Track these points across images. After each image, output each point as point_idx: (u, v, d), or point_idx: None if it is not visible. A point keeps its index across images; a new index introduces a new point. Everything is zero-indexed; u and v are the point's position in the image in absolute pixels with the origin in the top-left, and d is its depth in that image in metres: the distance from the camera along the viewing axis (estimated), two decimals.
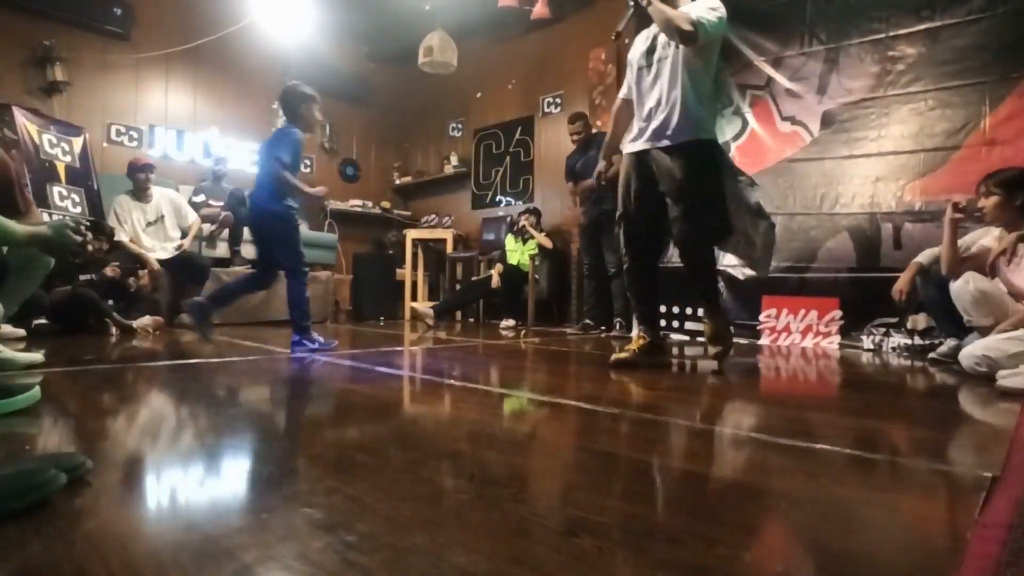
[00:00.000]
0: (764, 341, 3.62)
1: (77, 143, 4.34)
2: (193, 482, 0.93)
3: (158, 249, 4.00)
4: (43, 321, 3.26)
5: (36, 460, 0.87)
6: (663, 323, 3.88)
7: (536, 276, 4.95)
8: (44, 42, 4.56)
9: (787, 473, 1.00)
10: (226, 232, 4.62)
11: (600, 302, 4.32)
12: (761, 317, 3.69)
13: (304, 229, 5.56)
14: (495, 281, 4.88)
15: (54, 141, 4.18)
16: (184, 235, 4.22)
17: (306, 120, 2.78)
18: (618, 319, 4.11)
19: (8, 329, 2.71)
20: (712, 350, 2.31)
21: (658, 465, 1.08)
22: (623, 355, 2.32)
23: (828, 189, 3.58)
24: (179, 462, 1.04)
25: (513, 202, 5.87)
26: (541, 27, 5.42)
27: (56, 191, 4.02)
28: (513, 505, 0.82)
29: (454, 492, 0.90)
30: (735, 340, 3.64)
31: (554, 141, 5.53)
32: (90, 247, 1.74)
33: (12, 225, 1.61)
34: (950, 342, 2.61)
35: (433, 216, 6.44)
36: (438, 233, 5.91)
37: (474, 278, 5.36)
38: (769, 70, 3.81)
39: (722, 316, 2.41)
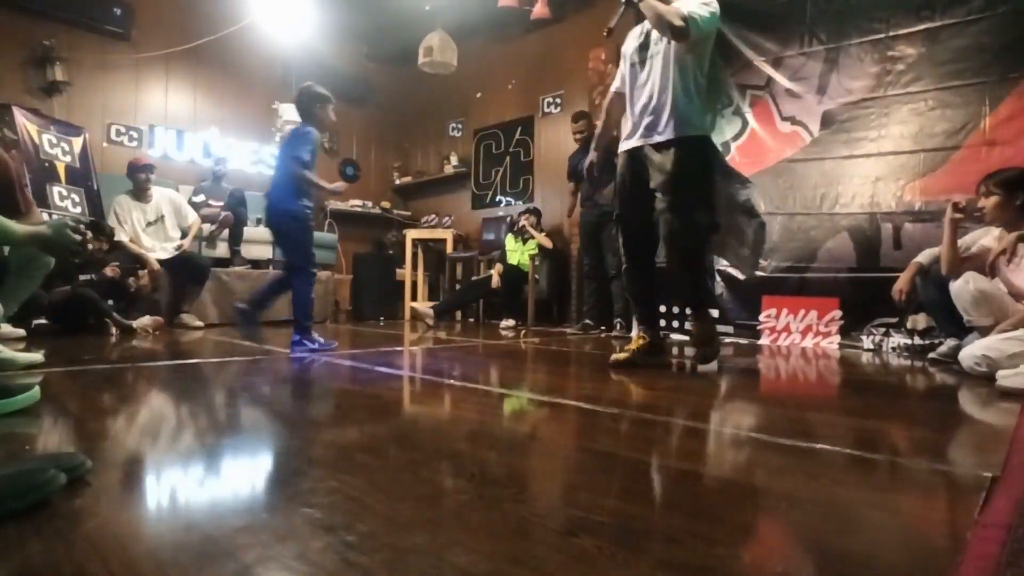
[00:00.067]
0: (764, 341, 3.62)
1: (77, 143, 4.34)
2: (193, 482, 0.93)
3: (158, 249, 4.00)
4: (43, 321, 3.26)
5: (36, 460, 0.87)
6: (663, 323, 3.88)
7: (536, 276, 4.95)
8: (44, 42, 4.56)
9: (787, 473, 1.00)
10: (226, 232, 4.62)
11: (600, 302, 4.32)
12: (761, 317, 3.69)
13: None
14: (495, 281, 4.88)
15: (54, 141, 4.18)
16: (184, 235, 4.22)
17: (321, 120, 2.82)
18: (618, 319, 4.11)
19: (8, 329, 2.71)
20: (695, 352, 2.29)
21: (658, 465, 1.08)
22: (623, 355, 2.32)
23: (828, 189, 3.58)
24: (179, 462, 1.04)
25: (513, 202, 5.87)
26: (541, 27, 5.42)
27: (56, 191, 4.02)
28: (513, 505, 0.82)
29: (454, 492, 0.90)
30: (736, 340, 3.68)
31: (554, 141, 5.53)
32: (90, 246, 1.74)
33: (12, 225, 1.61)
34: (950, 342, 2.61)
35: (433, 216, 6.44)
36: (438, 233, 5.91)
37: (474, 278, 5.37)
38: (769, 70, 3.81)
39: (710, 320, 2.38)
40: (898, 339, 3.15)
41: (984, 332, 2.25)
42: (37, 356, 2.01)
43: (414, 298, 5.65)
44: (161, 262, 3.90)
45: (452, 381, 2.00)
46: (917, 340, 3.04)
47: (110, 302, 3.43)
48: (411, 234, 5.81)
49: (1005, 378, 1.85)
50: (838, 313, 3.44)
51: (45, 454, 1.01)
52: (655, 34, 2.23)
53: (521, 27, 5.56)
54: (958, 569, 0.63)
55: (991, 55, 3.09)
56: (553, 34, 5.47)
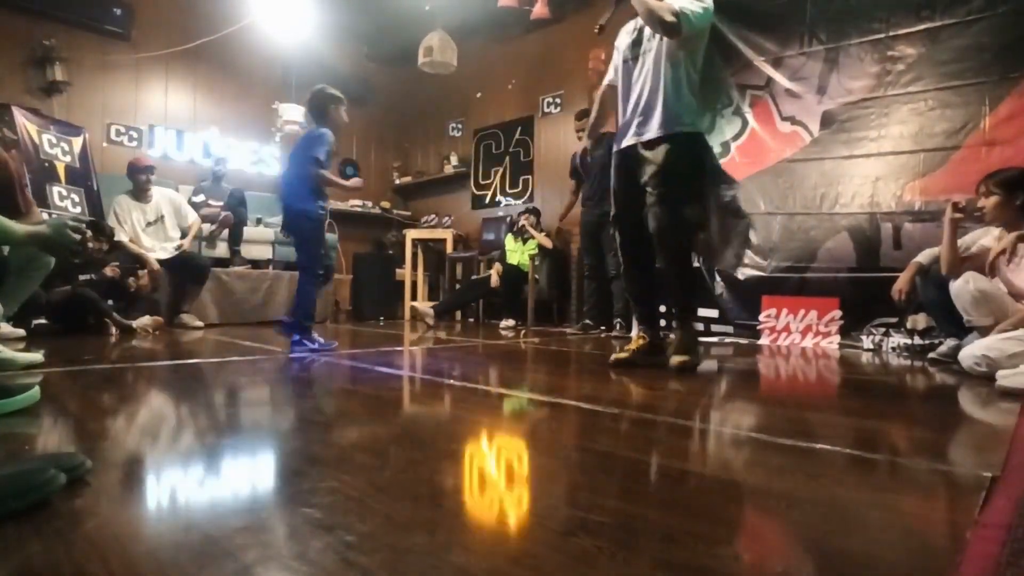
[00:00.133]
0: (764, 341, 3.62)
1: (77, 143, 4.34)
2: (193, 482, 0.93)
3: (158, 249, 4.00)
4: (43, 321, 3.26)
5: (36, 460, 0.87)
6: (663, 323, 3.87)
7: (536, 276, 4.95)
8: (44, 42, 4.56)
9: (787, 473, 1.00)
10: (226, 232, 4.63)
11: (600, 302, 4.32)
12: (761, 317, 3.69)
13: None
14: (494, 280, 4.88)
15: (54, 141, 4.18)
16: (184, 235, 4.22)
17: (335, 121, 2.84)
18: (618, 319, 4.11)
19: (8, 329, 2.70)
20: (675, 360, 2.18)
21: (658, 465, 1.08)
22: (623, 355, 2.32)
23: (828, 189, 3.58)
24: (179, 462, 1.04)
25: (513, 202, 5.87)
26: (541, 27, 5.42)
27: (56, 191, 4.02)
28: (513, 505, 0.82)
29: (454, 492, 0.90)
30: (736, 340, 3.68)
31: (554, 141, 5.53)
32: (90, 246, 1.74)
33: (12, 225, 1.61)
34: (950, 342, 2.61)
35: (433, 216, 6.44)
36: (438, 233, 5.91)
37: (474, 277, 5.37)
38: (769, 70, 3.81)
39: (692, 329, 2.32)
40: (898, 339, 3.15)
41: (984, 332, 2.25)
42: (37, 356, 2.01)
43: (414, 298, 5.65)
44: (161, 262, 3.90)
45: (452, 381, 2.00)
46: (917, 340, 3.04)
47: (110, 302, 3.43)
48: (411, 234, 5.81)
49: (1005, 378, 1.85)
50: (838, 313, 3.44)
51: (45, 454, 1.01)
52: (648, 30, 2.20)
53: (521, 27, 5.56)
54: (958, 569, 0.63)
55: (991, 55, 3.09)
56: (553, 34, 5.47)
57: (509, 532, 0.72)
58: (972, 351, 2.13)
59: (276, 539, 0.69)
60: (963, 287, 2.29)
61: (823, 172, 3.60)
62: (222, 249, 4.66)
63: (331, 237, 5.64)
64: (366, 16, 5.97)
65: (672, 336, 2.35)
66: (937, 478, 1.02)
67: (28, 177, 3.63)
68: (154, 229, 4.09)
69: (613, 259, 3.98)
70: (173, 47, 5.18)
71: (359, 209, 6.40)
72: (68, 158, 4.22)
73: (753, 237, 3.83)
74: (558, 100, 5.53)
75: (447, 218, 6.31)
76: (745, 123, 3.92)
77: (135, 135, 5.15)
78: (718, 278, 3.90)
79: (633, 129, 2.25)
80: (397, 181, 6.98)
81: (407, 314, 5.41)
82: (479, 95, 6.21)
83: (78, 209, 4.09)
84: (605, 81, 2.50)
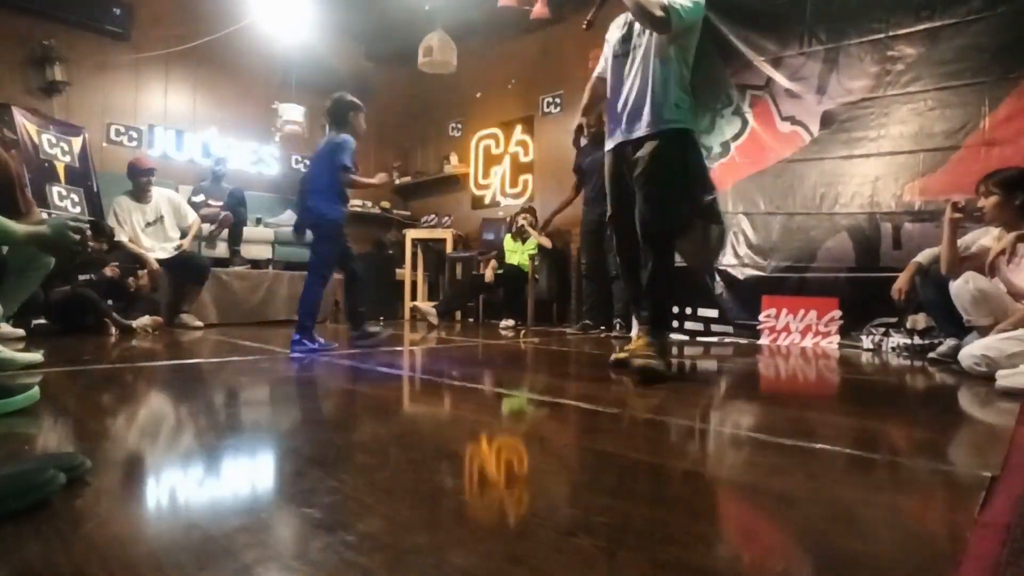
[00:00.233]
0: (764, 341, 3.62)
1: (76, 143, 4.34)
2: (193, 482, 0.93)
3: (157, 249, 4.00)
4: (42, 321, 3.26)
5: (35, 460, 0.87)
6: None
7: (536, 276, 4.95)
8: (44, 42, 4.56)
9: (787, 473, 1.00)
10: (225, 232, 4.63)
11: (600, 302, 4.32)
12: (761, 317, 3.69)
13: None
14: (488, 275, 4.89)
15: (53, 141, 4.18)
16: (184, 235, 4.22)
17: (355, 128, 2.90)
18: (618, 319, 4.11)
19: (8, 329, 2.70)
20: (638, 362, 1.98)
21: (658, 465, 1.08)
22: (623, 355, 2.32)
23: (828, 189, 3.58)
24: (178, 462, 1.04)
25: (513, 202, 5.87)
26: (541, 27, 5.42)
27: (55, 191, 4.02)
28: (513, 505, 0.82)
29: (454, 492, 0.90)
30: (736, 340, 3.68)
31: (554, 141, 5.52)
32: (90, 246, 1.74)
33: (12, 225, 1.61)
34: (950, 342, 2.61)
35: (432, 216, 6.43)
36: (438, 233, 5.91)
37: (474, 273, 5.37)
38: (769, 70, 3.81)
39: (665, 332, 2.15)
40: (898, 339, 3.15)
41: (983, 332, 2.25)
42: (37, 356, 2.01)
43: (414, 298, 5.65)
44: (161, 262, 3.90)
45: (452, 381, 2.00)
46: (917, 340, 3.04)
47: (110, 302, 3.43)
48: (411, 234, 5.81)
49: (1004, 378, 1.85)
50: (838, 313, 3.44)
51: (45, 454, 1.01)
52: (638, 25, 2.15)
53: (521, 27, 5.55)
54: (958, 569, 0.63)
55: (990, 55, 3.09)
56: (553, 34, 5.47)
57: (509, 532, 0.72)
58: (972, 351, 2.13)
59: (276, 539, 0.69)
60: (963, 287, 2.29)
61: (823, 172, 3.61)
62: (222, 249, 4.66)
63: None
64: (366, 16, 5.97)
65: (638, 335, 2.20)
66: (937, 478, 1.02)
67: (28, 177, 3.64)
68: (154, 229, 4.09)
69: (614, 259, 3.98)
70: (173, 47, 5.17)
71: (359, 209, 6.39)
72: (68, 158, 4.22)
73: (752, 237, 3.84)
74: (558, 100, 5.53)
75: (447, 218, 6.31)
76: (745, 123, 3.93)
77: (135, 135, 5.15)
78: (718, 278, 3.91)
79: (623, 127, 2.21)
80: (397, 181, 6.97)
81: (407, 314, 5.41)
82: (479, 95, 6.21)
83: (78, 209, 4.09)
84: (595, 73, 2.44)
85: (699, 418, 1.54)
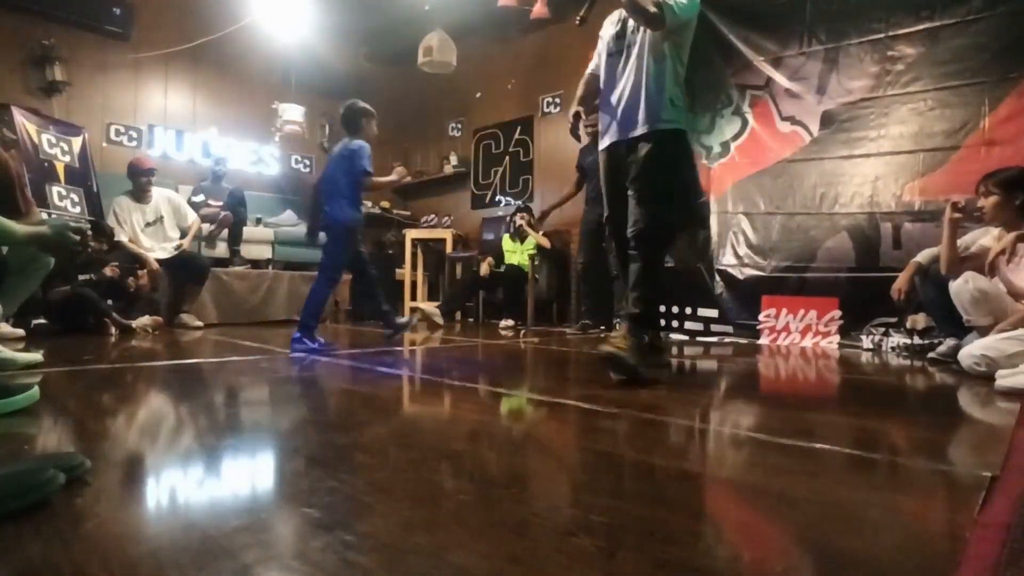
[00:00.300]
0: (763, 341, 3.62)
1: (76, 143, 4.34)
2: (192, 482, 0.93)
3: (157, 249, 4.00)
4: (42, 321, 3.26)
5: (35, 460, 0.87)
6: (662, 323, 3.88)
7: (536, 276, 4.95)
8: (44, 42, 4.56)
9: (787, 473, 1.00)
10: (225, 232, 4.62)
11: (599, 302, 4.32)
12: (760, 317, 3.69)
13: (304, 229, 5.59)
14: (483, 269, 4.89)
15: (53, 141, 4.18)
16: (183, 235, 4.22)
17: (367, 133, 2.98)
18: (617, 319, 4.10)
19: (7, 329, 2.70)
20: (605, 347, 1.90)
21: (658, 465, 1.08)
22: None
23: (827, 189, 3.58)
24: (178, 462, 1.04)
25: (513, 202, 5.87)
26: (540, 27, 5.42)
27: (55, 191, 4.02)
28: (513, 505, 0.82)
29: (454, 492, 0.90)
30: (736, 340, 3.68)
31: (554, 141, 5.52)
32: (90, 247, 1.74)
33: (12, 225, 1.61)
34: (949, 342, 2.61)
35: (432, 216, 6.43)
36: (437, 233, 5.91)
37: (473, 269, 5.38)
38: (769, 70, 3.81)
39: (640, 336, 2.02)
40: (897, 339, 3.15)
41: (983, 332, 2.25)
42: (36, 356, 2.01)
43: (413, 298, 5.65)
44: (161, 262, 3.90)
45: (451, 381, 2.00)
46: (916, 340, 3.04)
47: (110, 302, 3.43)
48: (411, 234, 5.80)
49: (1004, 378, 1.85)
50: (837, 313, 3.44)
51: (44, 454, 1.01)
52: (632, 22, 2.12)
53: (521, 27, 5.55)
54: (958, 569, 0.63)
55: (990, 55, 3.09)
56: (552, 34, 5.46)
57: (509, 532, 0.72)
58: (971, 351, 2.13)
59: (276, 539, 0.69)
60: (962, 287, 2.29)
61: (823, 172, 3.61)
62: (222, 249, 4.66)
63: None
64: (366, 16, 5.96)
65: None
66: (937, 478, 1.02)
67: (28, 177, 3.64)
68: (153, 229, 4.09)
69: (614, 259, 3.98)
70: (173, 47, 5.17)
71: None
72: (67, 158, 4.22)
73: (752, 237, 3.84)
74: (558, 100, 5.53)
75: (447, 218, 6.30)
76: (745, 123, 3.93)
77: (135, 135, 5.15)
78: (718, 278, 3.91)
79: (617, 126, 2.17)
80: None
81: (407, 314, 5.41)
82: (479, 95, 6.20)
83: (77, 209, 4.09)
84: (589, 69, 2.40)
85: (699, 418, 1.54)
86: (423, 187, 6.83)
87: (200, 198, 4.70)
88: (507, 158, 5.98)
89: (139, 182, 4.01)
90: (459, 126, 6.53)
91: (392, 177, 3.10)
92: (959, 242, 2.46)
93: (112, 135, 5.02)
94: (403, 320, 3.15)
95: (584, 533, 0.71)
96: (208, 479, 0.95)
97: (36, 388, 1.37)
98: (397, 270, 5.81)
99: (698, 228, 2.20)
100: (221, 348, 2.91)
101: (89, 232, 1.68)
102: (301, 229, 5.55)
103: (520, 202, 5.39)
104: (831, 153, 3.58)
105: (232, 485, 0.94)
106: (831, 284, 3.49)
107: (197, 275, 4.08)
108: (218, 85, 5.63)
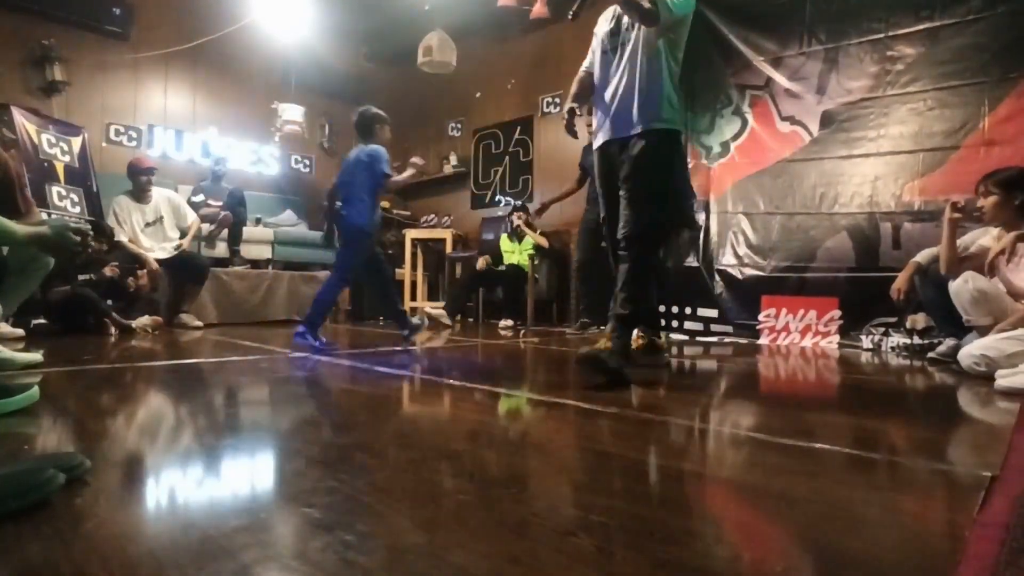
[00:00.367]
0: (763, 341, 3.62)
1: (76, 143, 4.33)
2: (192, 482, 0.93)
3: (157, 249, 4.00)
4: (42, 321, 3.25)
5: (35, 460, 0.87)
6: (662, 322, 3.88)
7: (536, 276, 4.95)
8: (43, 42, 4.56)
9: (787, 473, 1.00)
10: (225, 232, 4.62)
11: (597, 301, 4.31)
12: (760, 317, 3.69)
13: (304, 229, 5.60)
14: (480, 264, 4.90)
15: (53, 141, 4.18)
16: (183, 235, 4.22)
17: (381, 138, 3.03)
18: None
19: (7, 329, 2.70)
20: (583, 350, 1.87)
21: (657, 465, 1.08)
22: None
23: (827, 189, 3.58)
24: (178, 462, 1.04)
25: (512, 202, 5.87)
26: (540, 27, 5.42)
27: (55, 191, 4.01)
28: (513, 505, 0.82)
29: (454, 492, 0.90)
30: (736, 340, 3.68)
31: (554, 141, 5.52)
32: (91, 247, 1.74)
33: (12, 225, 1.61)
34: (949, 342, 2.61)
35: (432, 216, 6.43)
36: (437, 233, 5.91)
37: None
38: (768, 70, 3.81)
39: (625, 339, 2.01)
40: (897, 339, 3.15)
41: (983, 332, 2.25)
42: (36, 356, 2.01)
43: (413, 298, 5.65)
44: (160, 262, 3.89)
45: (451, 381, 2.00)
46: (916, 340, 3.04)
47: (109, 302, 3.43)
48: (410, 234, 5.80)
49: (1004, 378, 1.85)
50: (837, 313, 3.44)
51: (44, 454, 1.01)
52: (626, 19, 2.10)
53: (520, 27, 5.55)
54: (957, 569, 0.63)
55: (990, 55, 3.09)
56: (552, 34, 5.46)
57: (509, 532, 0.72)
58: (971, 351, 2.13)
59: (276, 539, 0.69)
60: (962, 287, 2.29)
61: (822, 172, 3.61)
62: (221, 249, 4.66)
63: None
64: (365, 16, 5.97)
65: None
66: (936, 478, 1.02)
67: (27, 177, 3.63)
68: (153, 230, 4.09)
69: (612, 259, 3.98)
70: (172, 47, 5.17)
71: None
72: (67, 158, 4.22)
73: (752, 237, 3.84)
74: (558, 100, 5.53)
75: (446, 218, 6.30)
76: (745, 123, 3.93)
77: (134, 135, 5.15)
78: (717, 278, 3.91)
79: (611, 125, 2.15)
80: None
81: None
82: (479, 95, 6.20)
83: (77, 209, 4.09)
84: (583, 67, 2.38)
85: (699, 418, 1.54)
86: (423, 187, 6.82)
87: (200, 198, 4.70)
88: (507, 158, 5.98)
89: (139, 181, 4.01)
90: (459, 126, 6.53)
91: (410, 172, 3.13)
92: (959, 242, 2.46)
93: (112, 135, 5.02)
94: (417, 321, 3.21)
95: (584, 533, 0.71)
96: (208, 479, 0.95)
97: (36, 388, 1.37)
98: (397, 270, 5.80)
99: (684, 228, 2.18)
100: (221, 348, 2.90)
101: (90, 233, 1.67)
102: (301, 229, 5.56)
103: (517, 202, 5.39)
104: (831, 153, 3.58)
105: (232, 485, 0.94)
106: (831, 284, 3.49)
107: (197, 275, 4.08)
108: (218, 85, 5.63)
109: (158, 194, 4.16)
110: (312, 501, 0.80)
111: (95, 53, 4.87)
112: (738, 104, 3.94)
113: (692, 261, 3.98)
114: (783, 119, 3.78)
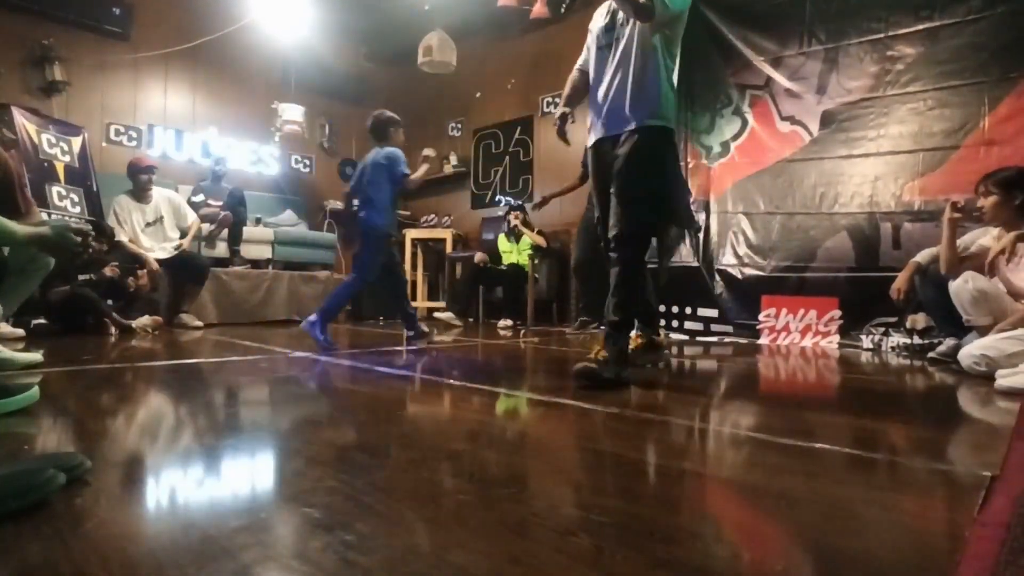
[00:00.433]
0: (763, 340, 3.62)
1: (76, 143, 4.33)
2: (192, 482, 0.93)
3: (157, 249, 4.00)
4: (42, 321, 3.25)
5: (35, 460, 0.87)
6: (662, 322, 3.88)
7: (536, 276, 4.95)
8: (43, 42, 4.56)
9: (787, 473, 1.00)
10: (225, 232, 4.62)
11: (596, 299, 4.32)
12: (760, 317, 3.69)
13: (303, 229, 5.60)
14: (478, 257, 4.91)
15: (53, 141, 4.18)
16: (183, 235, 4.22)
17: (396, 141, 3.13)
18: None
19: (7, 329, 2.70)
20: (579, 365, 1.84)
21: (657, 465, 1.08)
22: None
23: (827, 189, 3.58)
24: (178, 462, 1.04)
25: (512, 202, 5.87)
26: (540, 26, 5.42)
27: (55, 191, 4.01)
28: (513, 505, 0.82)
29: (454, 492, 0.90)
30: (736, 340, 3.68)
31: (554, 141, 5.44)
32: (91, 248, 1.74)
33: (12, 225, 1.61)
34: (949, 341, 2.61)
35: (432, 216, 6.43)
36: (437, 233, 5.91)
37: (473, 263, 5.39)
38: (768, 70, 3.81)
39: (617, 344, 1.96)
40: (897, 339, 3.15)
41: (983, 331, 2.25)
42: (36, 356, 2.01)
43: (413, 298, 5.65)
44: (160, 262, 3.89)
45: (451, 381, 2.00)
46: (916, 340, 3.04)
47: (109, 302, 3.43)
48: (410, 234, 5.81)
49: (1004, 378, 1.85)
50: (837, 313, 3.44)
51: (44, 454, 1.01)
52: (622, 14, 2.06)
53: (520, 27, 5.55)
54: (958, 568, 0.63)
55: (990, 55, 3.09)
56: (552, 33, 5.46)
57: (508, 532, 0.72)
58: (971, 351, 2.13)
59: (276, 539, 0.69)
60: (962, 286, 2.29)
61: (822, 172, 3.61)
62: (221, 249, 4.66)
63: (330, 236, 5.67)
64: (365, 16, 5.97)
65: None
66: (936, 477, 1.02)
67: (28, 177, 3.63)
68: (153, 229, 4.09)
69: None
70: (172, 47, 5.17)
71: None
72: (67, 158, 4.22)
73: (752, 237, 3.84)
74: (558, 100, 5.52)
75: (446, 218, 6.30)
76: (745, 123, 3.93)
77: (134, 135, 5.15)
78: (717, 277, 3.91)
79: (604, 123, 2.12)
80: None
81: None
82: (479, 95, 6.20)
83: (77, 209, 4.08)
84: (577, 64, 2.33)
85: (699, 418, 1.54)
86: (423, 187, 6.82)
87: (200, 198, 4.70)
88: (507, 158, 5.98)
89: (139, 180, 4.01)
90: (459, 126, 6.53)
91: (425, 167, 3.21)
92: (959, 242, 2.46)
93: (112, 135, 5.02)
94: (426, 329, 3.26)
95: (584, 533, 0.71)
96: (208, 479, 0.95)
97: (36, 388, 1.37)
98: None
99: (672, 226, 2.14)
100: (221, 348, 2.90)
101: (90, 233, 1.67)
102: (301, 229, 5.56)
103: (516, 201, 5.39)
104: (831, 153, 3.58)
105: (232, 485, 0.94)
106: (831, 284, 3.49)
107: (197, 275, 4.08)
108: (218, 85, 5.63)
109: (158, 194, 4.16)
110: (312, 501, 0.80)
111: (95, 53, 4.87)
112: (738, 104, 3.94)
113: (692, 261, 3.99)
114: (783, 119, 3.78)
